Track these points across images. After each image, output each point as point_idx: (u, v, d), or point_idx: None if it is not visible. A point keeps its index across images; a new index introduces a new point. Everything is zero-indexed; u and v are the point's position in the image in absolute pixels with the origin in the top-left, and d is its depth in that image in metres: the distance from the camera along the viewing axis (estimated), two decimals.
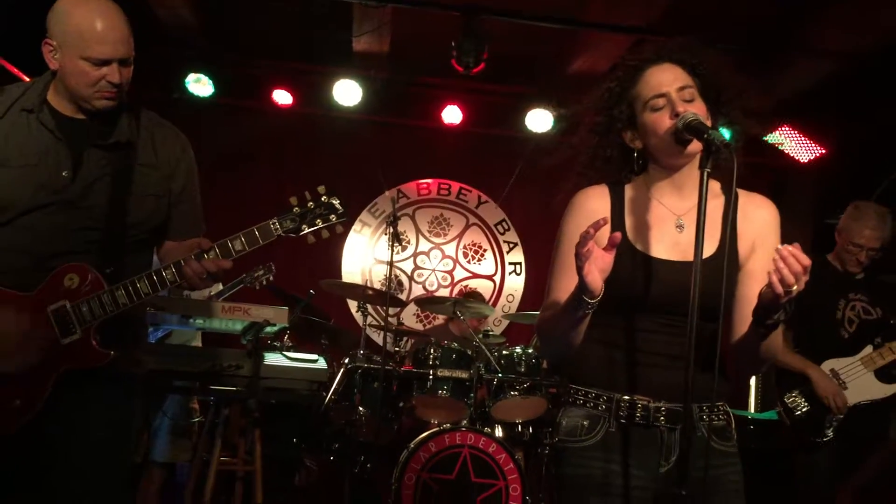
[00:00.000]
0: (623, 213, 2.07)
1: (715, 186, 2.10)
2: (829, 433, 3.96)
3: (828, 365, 4.04)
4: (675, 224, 2.06)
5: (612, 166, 2.13)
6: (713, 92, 2.06)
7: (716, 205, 2.06)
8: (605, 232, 1.86)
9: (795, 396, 4.05)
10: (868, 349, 4.04)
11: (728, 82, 2.08)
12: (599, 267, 1.78)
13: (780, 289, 1.71)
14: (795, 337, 4.13)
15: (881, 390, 4.02)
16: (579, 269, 1.77)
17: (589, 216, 2.03)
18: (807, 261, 1.71)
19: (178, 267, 2.34)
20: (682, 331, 1.96)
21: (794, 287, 1.71)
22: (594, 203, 2.09)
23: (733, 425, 2.06)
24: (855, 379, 4.03)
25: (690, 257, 1.93)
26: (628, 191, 2.11)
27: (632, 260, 2.00)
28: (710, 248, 2.01)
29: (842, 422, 3.95)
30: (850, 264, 4.10)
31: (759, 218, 2.08)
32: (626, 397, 2.01)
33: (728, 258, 1.95)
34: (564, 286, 2.02)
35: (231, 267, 2.38)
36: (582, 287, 1.79)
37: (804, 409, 4.03)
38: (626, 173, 2.14)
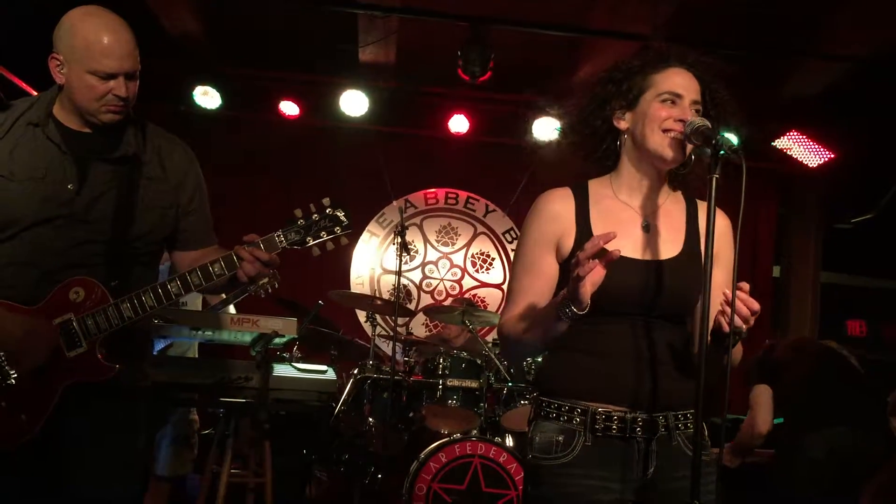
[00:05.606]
0: (588, 215, 2.06)
1: (677, 194, 2.13)
2: None
3: None
4: (640, 225, 2.06)
5: (593, 140, 2.13)
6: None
7: (678, 209, 2.10)
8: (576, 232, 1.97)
9: None
10: None
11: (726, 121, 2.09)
12: (592, 280, 1.76)
13: (727, 328, 1.76)
14: None
15: None
16: (578, 280, 1.74)
17: (552, 218, 2.06)
18: (756, 306, 1.76)
19: (228, 260, 2.32)
20: (653, 333, 1.99)
21: (744, 326, 1.77)
22: (557, 206, 2.08)
23: (706, 433, 1.97)
24: None
25: (659, 256, 2.01)
26: (592, 192, 2.10)
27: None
28: (673, 250, 2.03)
29: None
30: None
31: (716, 228, 2.00)
32: (602, 409, 1.96)
33: (703, 260, 1.87)
34: (528, 286, 2.04)
35: (277, 261, 2.36)
36: (574, 298, 1.77)
37: None
38: (596, 159, 2.14)
